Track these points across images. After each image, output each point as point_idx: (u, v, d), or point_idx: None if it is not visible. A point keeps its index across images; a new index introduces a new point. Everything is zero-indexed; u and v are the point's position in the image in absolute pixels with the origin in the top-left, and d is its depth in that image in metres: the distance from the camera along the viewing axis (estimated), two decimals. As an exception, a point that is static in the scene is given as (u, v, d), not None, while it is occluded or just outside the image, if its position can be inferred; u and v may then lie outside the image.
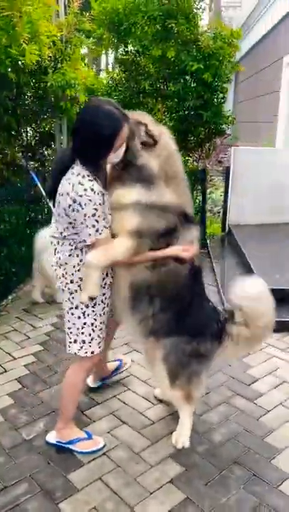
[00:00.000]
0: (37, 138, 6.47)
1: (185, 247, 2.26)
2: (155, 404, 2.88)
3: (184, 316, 2.37)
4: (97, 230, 2.06)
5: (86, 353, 2.32)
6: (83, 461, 2.40)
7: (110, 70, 6.58)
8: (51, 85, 5.00)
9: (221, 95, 6.00)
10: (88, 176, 2.04)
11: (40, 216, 6.01)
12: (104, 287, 2.26)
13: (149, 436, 2.59)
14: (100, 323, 2.30)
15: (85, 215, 2.02)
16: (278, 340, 3.66)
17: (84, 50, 6.20)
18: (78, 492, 2.21)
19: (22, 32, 3.54)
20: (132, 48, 5.77)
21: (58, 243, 2.22)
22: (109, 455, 2.45)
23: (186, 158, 6.56)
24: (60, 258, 2.22)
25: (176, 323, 2.36)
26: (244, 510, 2.11)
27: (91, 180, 2.03)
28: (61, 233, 2.17)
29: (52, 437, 2.52)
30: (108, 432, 2.62)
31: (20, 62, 4.49)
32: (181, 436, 2.51)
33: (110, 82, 6.15)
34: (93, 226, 2.05)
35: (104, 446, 2.49)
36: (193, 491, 2.21)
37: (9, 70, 4.44)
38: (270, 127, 8.84)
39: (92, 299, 2.17)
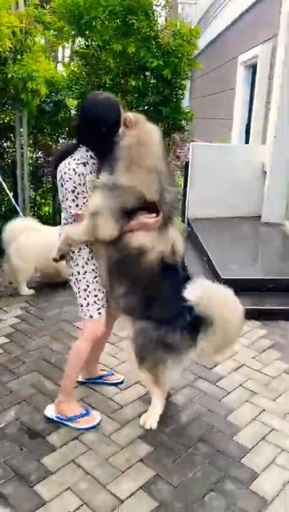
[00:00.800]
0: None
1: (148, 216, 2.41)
2: (123, 389, 3.00)
3: (154, 304, 2.50)
4: (77, 205, 2.39)
5: (85, 315, 2.57)
6: (55, 446, 2.48)
7: (67, 63, 6.52)
8: (12, 77, 4.96)
9: (180, 92, 6.14)
10: (78, 159, 2.39)
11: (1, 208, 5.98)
12: (92, 258, 2.52)
13: (119, 420, 2.70)
14: (94, 289, 2.54)
15: (66, 189, 2.37)
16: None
17: (42, 41, 6.12)
18: (52, 474, 2.29)
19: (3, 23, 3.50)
20: (92, 42, 5.78)
21: (62, 212, 2.55)
22: (81, 439, 2.54)
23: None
24: (62, 226, 2.57)
25: (145, 308, 2.50)
26: (210, 483, 2.27)
27: (78, 164, 2.37)
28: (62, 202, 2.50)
29: (51, 411, 2.66)
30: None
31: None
32: (150, 418, 2.65)
33: (71, 75, 6.13)
34: (73, 201, 2.38)
35: (100, 420, 2.66)
36: (162, 468, 2.35)
37: None
38: (225, 124, 9.10)
39: (55, 260, 2.58)
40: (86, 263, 2.51)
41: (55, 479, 2.26)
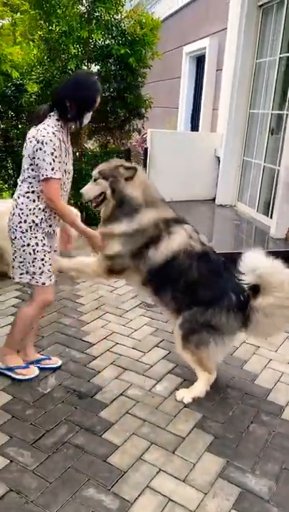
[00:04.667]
0: None
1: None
2: (146, 352, 3.29)
3: (198, 291, 2.69)
4: (52, 169, 2.48)
5: (37, 282, 2.71)
6: (106, 402, 2.72)
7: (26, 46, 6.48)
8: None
9: (140, 79, 6.41)
10: (54, 126, 2.51)
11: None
12: (48, 231, 2.69)
13: (153, 376, 3.00)
14: (49, 258, 2.71)
15: (44, 152, 2.46)
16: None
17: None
18: (114, 424, 2.54)
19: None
20: (56, 28, 5.82)
21: (18, 186, 2.65)
22: (126, 395, 2.81)
23: (108, 138, 6.88)
24: (18, 197, 2.63)
25: (191, 298, 2.70)
26: (249, 417, 2.67)
27: (55, 130, 2.50)
28: (23, 172, 2.60)
29: None
30: (116, 378, 2.96)
31: None
32: (187, 392, 2.80)
33: (33, 59, 6.11)
34: (50, 164, 2.47)
35: (37, 375, 2.91)
36: (206, 410, 2.70)
37: None
38: (172, 112, 9.51)
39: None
40: (44, 237, 2.66)
41: (118, 428, 2.51)
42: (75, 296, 4.15)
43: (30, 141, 2.51)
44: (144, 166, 7.08)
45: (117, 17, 6.05)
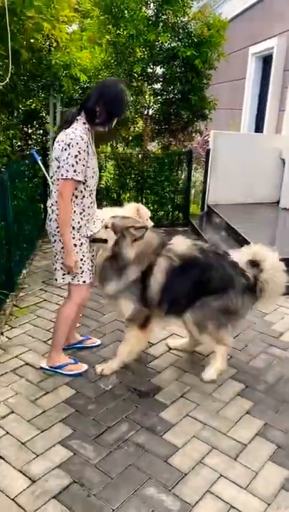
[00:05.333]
0: (22, 116, 6.45)
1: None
2: (207, 355, 3.25)
3: (207, 285, 2.85)
4: (74, 171, 2.53)
5: (78, 281, 2.80)
6: (166, 403, 2.72)
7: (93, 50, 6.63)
8: (55, 63, 5.08)
9: (205, 81, 6.37)
10: (82, 129, 2.57)
11: (39, 191, 6.08)
12: (87, 226, 2.76)
13: (217, 380, 2.96)
14: (87, 258, 2.79)
15: (69, 154, 2.51)
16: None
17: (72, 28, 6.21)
18: (174, 426, 2.53)
19: (60, 11, 3.65)
20: (124, 31, 5.92)
21: (54, 192, 2.70)
22: (187, 397, 2.79)
23: (170, 140, 6.90)
24: (52, 204, 2.70)
25: (199, 292, 2.86)
26: (314, 429, 2.57)
27: (83, 133, 2.55)
28: (51, 177, 2.68)
29: (44, 363, 2.99)
30: (176, 380, 2.96)
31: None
32: (211, 370, 2.96)
33: (101, 63, 6.25)
34: (72, 166, 2.52)
35: (86, 370, 2.99)
36: (269, 418, 2.62)
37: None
38: (234, 114, 9.37)
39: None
40: (81, 235, 2.73)
41: (178, 429, 2.50)
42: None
43: (59, 144, 2.58)
44: (206, 167, 7.04)
45: (184, 19, 6.06)
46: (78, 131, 2.55)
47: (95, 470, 2.21)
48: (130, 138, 6.86)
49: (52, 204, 2.71)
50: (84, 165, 2.57)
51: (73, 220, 2.67)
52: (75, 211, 2.67)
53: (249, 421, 2.60)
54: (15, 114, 6.12)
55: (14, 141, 6.36)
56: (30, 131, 6.76)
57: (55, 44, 5.26)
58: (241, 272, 2.91)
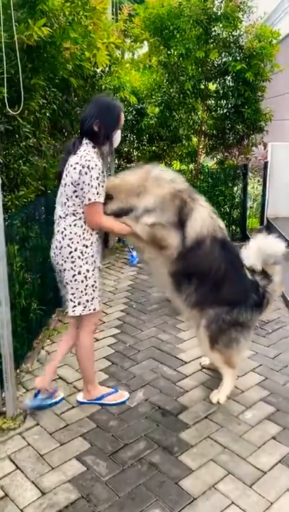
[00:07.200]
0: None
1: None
2: (240, 376, 3.13)
3: (222, 287, 2.70)
4: (97, 193, 2.50)
5: (90, 310, 2.68)
6: (188, 423, 2.66)
7: (146, 71, 6.80)
8: (105, 88, 5.29)
9: (259, 93, 6.24)
10: (95, 153, 2.53)
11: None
12: (96, 253, 2.66)
13: (243, 402, 2.84)
14: (99, 284, 2.71)
15: (91, 177, 2.46)
16: None
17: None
18: (193, 447, 2.47)
19: (98, 39, 3.82)
20: (174, 51, 6.01)
21: (62, 219, 2.60)
22: (211, 418, 2.71)
23: (225, 154, 6.82)
24: (65, 229, 2.58)
25: (216, 294, 2.70)
26: None
27: (95, 156, 2.51)
28: (65, 203, 2.57)
29: (81, 398, 2.89)
30: (204, 400, 2.88)
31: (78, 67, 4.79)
32: (220, 394, 2.85)
33: (153, 84, 6.39)
34: (95, 188, 2.49)
35: (128, 398, 2.90)
36: (295, 445, 2.46)
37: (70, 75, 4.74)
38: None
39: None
40: (94, 259, 2.63)
41: (196, 451, 2.44)
42: (176, 313, 4.16)
43: (74, 168, 2.48)
44: (264, 180, 6.85)
45: (235, 33, 6.01)
46: (92, 154, 2.50)
47: (104, 487, 2.21)
48: (184, 155, 6.89)
49: (64, 229, 2.58)
50: (102, 186, 2.55)
51: (87, 239, 2.59)
52: (87, 230, 2.59)
53: (273, 447, 2.46)
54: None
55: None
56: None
57: (107, 69, 5.49)
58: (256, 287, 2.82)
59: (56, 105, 4.51)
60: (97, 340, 3.67)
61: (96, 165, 2.47)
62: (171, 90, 6.21)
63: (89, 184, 2.46)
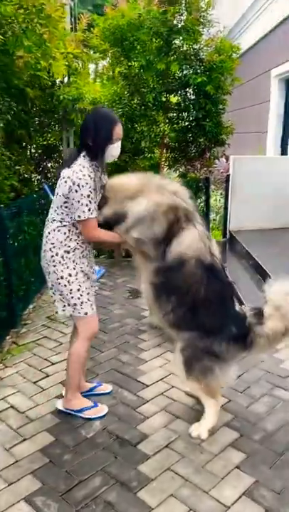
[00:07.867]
0: (40, 151, 6.58)
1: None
2: (203, 398, 3.00)
3: (199, 312, 2.52)
4: (89, 210, 2.49)
5: (80, 313, 2.68)
6: (148, 454, 2.50)
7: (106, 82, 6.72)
8: (63, 98, 5.14)
9: (221, 106, 6.25)
10: (89, 167, 2.50)
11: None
12: (82, 257, 2.66)
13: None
14: (86, 288, 2.68)
15: (81, 195, 2.45)
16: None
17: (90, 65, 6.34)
18: (152, 481, 2.30)
19: (53, 48, 3.68)
20: (135, 63, 5.94)
21: (49, 222, 2.64)
22: (172, 447, 2.55)
23: (187, 167, 6.78)
24: (49, 233, 2.62)
25: (192, 318, 2.52)
26: (312, 489, 2.25)
27: (90, 171, 2.49)
28: (55, 210, 2.59)
29: (61, 405, 2.87)
30: (164, 427, 2.73)
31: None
32: (200, 427, 2.65)
33: (114, 95, 6.29)
34: (87, 205, 2.47)
35: (107, 413, 2.83)
36: (260, 475, 2.33)
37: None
38: (258, 137, 9.16)
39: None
40: (76, 264, 2.63)
41: (156, 486, 2.27)
42: (139, 331, 4.02)
43: (65, 182, 2.49)
44: (226, 193, 6.84)
45: (195, 46, 6.01)
46: (86, 169, 2.48)
47: (55, 533, 2.02)
48: (147, 167, 6.80)
49: (48, 233, 2.63)
50: (95, 202, 2.54)
51: (69, 246, 2.61)
52: (69, 237, 2.61)
53: (237, 478, 2.32)
54: (31, 150, 6.27)
55: (33, 175, 6.50)
56: (49, 164, 6.89)
57: (65, 80, 5.35)
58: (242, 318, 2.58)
59: (11, 115, 4.33)
60: (53, 363, 3.47)
61: (87, 183, 2.45)
62: (132, 102, 6.13)
63: (79, 202, 2.47)
